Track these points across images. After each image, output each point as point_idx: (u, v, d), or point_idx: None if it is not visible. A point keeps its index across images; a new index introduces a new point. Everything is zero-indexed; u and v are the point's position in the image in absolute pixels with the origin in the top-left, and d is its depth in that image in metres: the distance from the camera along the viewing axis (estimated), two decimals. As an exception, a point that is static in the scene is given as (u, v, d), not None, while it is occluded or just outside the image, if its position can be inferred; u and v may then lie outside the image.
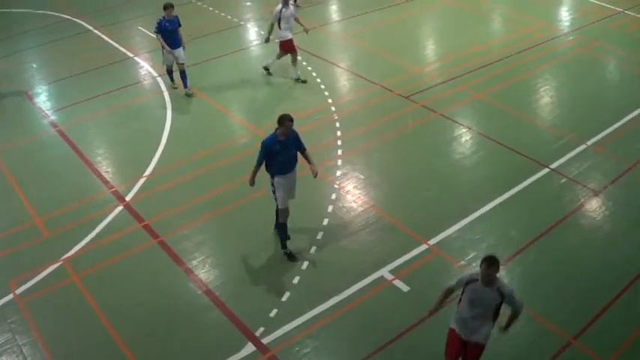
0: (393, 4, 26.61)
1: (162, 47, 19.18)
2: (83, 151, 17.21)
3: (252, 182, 12.69)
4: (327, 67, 21.40)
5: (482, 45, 22.39)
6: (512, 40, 22.40)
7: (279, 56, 20.28)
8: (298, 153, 12.77)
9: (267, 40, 20.07)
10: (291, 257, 13.12)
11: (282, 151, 12.26)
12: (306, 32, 20.44)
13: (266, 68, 20.75)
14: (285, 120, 12.08)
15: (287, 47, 19.92)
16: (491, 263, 8.93)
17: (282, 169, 12.48)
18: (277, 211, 12.99)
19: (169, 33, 18.97)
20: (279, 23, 19.50)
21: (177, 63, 19.42)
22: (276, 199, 12.75)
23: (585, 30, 23.27)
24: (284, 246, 13.18)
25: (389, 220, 14.09)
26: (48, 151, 17.56)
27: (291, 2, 25.87)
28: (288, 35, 19.70)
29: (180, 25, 19.16)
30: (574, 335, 11.05)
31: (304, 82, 20.25)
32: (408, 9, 26.16)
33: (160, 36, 18.95)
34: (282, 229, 13.03)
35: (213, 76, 20.38)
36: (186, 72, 19.62)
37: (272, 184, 12.71)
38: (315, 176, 12.93)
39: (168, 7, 18.77)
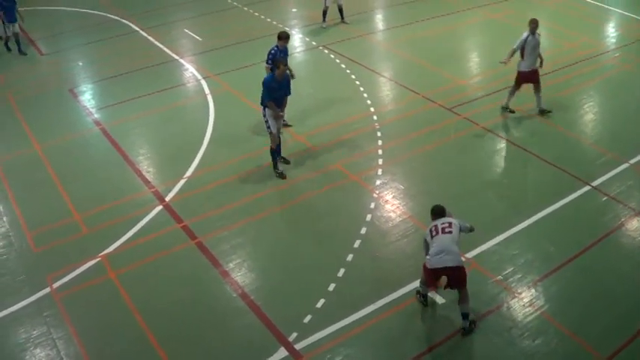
0: (438, 16, 26.58)
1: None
2: (125, 150, 17.42)
3: (277, 112, 15.61)
4: (371, 76, 21.41)
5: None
6: (556, 55, 22.13)
7: (514, 90, 18.43)
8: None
9: (504, 63, 17.84)
10: (281, 176, 15.95)
11: (278, 89, 15.44)
12: (541, 66, 18.20)
13: (505, 108, 18.70)
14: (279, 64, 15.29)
15: (526, 79, 18.12)
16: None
17: (277, 104, 15.51)
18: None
19: None
20: (522, 52, 17.73)
21: None
22: (269, 127, 15.63)
23: (630, 47, 22.99)
24: (275, 166, 16.05)
25: (426, 231, 14.01)
26: (90, 149, 17.81)
27: (335, 20, 25.88)
28: (530, 67, 17.86)
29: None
30: (608, 356, 10.85)
31: (549, 112, 18.49)
32: (453, 22, 26.10)
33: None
34: (272, 154, 15.95)
35: (256, 81, 20.28)
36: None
37: (265, 116, 15.58)
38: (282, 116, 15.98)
39: (284, 37, 17.21)
